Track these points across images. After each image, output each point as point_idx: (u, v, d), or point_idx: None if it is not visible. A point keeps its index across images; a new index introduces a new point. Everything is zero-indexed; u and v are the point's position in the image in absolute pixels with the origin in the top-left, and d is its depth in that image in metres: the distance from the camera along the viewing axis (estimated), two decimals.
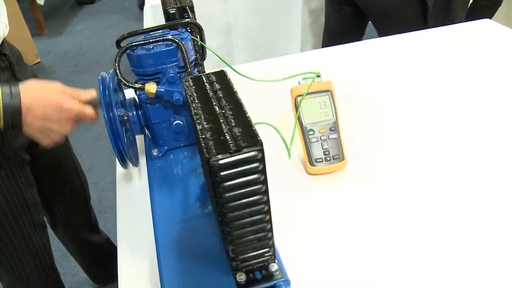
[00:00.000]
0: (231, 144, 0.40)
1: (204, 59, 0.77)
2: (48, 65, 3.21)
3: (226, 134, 0.41)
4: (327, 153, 0.71)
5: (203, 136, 0.42)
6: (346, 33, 1.59)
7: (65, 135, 0.73)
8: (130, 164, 0.71)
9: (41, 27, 3.50)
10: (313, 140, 0.71)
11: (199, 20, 1.90)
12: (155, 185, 0.65)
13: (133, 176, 0.79)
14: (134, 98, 0.70)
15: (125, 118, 0.69)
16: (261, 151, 0.39)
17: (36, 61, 3.13)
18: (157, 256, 0.56)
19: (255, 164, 0.40)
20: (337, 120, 0.72)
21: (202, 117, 0.45)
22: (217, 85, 0.50)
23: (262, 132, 0.72)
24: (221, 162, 0.39)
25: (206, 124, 0.43)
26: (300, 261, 0.60)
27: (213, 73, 0.52)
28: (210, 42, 1.85)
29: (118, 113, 0.67)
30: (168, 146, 0.69)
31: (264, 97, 0.93)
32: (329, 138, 0.71)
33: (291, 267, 0.57)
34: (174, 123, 0.67)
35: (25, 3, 3.39)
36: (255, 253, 0.47)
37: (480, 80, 0.96)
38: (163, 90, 0.62)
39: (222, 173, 0.39)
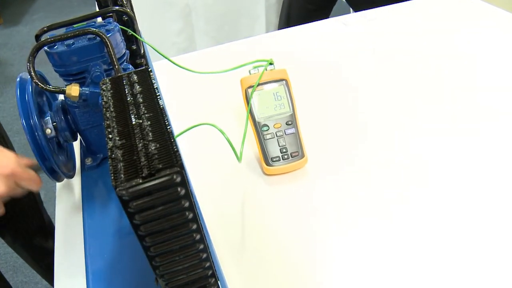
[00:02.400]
0: (144, 166, 0.32)
1: (141, 51, 0.69)
2: (6, 57, 3.05)
3: (140, 152, 0.34)
4: (284, 150, 0.64)
5: (113, 156, 0.34)
6: (310, 17, 1.50)
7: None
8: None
9: None
10: (268, 136, 0.64)
11: (156, 5, 1.79)
12: (88, 199, 0.57)
13: (74, 187, 0.70)
14: (62, 100, 0.61)
15: (54, 124, 0.61)
16: (180, 173, 0.32)
17: None
18: (86, 285, 0.48)
19: (175, 189, 0.32)
20: (295, 113, 0.65)
21: (115, 130, 0.37)
22: (138, 87, 0.42)
23: (210, 133, 0.65)
24: (130, 190, 0.31)
25: (119, 140, 0.36)
26: (262, 276, 0.53)
27: (135, 72, 0.44)
28: (170, 27, 1.75)
29: (45, 118, 0.59)
30: (104, 153, 0.61)
31: (215, 90, 0.85)
32: (285, 134, 0.64)
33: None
34: (104, 123, 0.59)
35: None
36: (192, 286, 0.40)
37: (455, 60, 0.90)
38: (87, 92, 0.54)
39: (133, 204, 0.32)
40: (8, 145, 1.01)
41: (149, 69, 0.44)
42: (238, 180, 0.65)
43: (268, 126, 0.64)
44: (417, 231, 0.55)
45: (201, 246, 0.37)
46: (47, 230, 1.15)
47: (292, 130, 0.64)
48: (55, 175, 0.60)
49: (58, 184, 0.70)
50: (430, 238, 0.54)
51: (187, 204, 0.34)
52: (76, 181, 0.70)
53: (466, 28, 1.00)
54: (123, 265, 0.50)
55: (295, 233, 0.57)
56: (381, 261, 0.52)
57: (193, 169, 0.67)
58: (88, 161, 0.61)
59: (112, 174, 0.32)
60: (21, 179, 0.57)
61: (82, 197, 0.58)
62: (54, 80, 0.61)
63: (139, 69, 0.45)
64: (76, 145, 0.72)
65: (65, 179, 0.65)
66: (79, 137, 0.64)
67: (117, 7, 0.61)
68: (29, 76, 0.59)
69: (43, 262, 1.19)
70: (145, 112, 0.38)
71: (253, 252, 0.56)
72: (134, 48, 0.69)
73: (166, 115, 0.37)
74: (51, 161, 0.57)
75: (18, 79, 0.58)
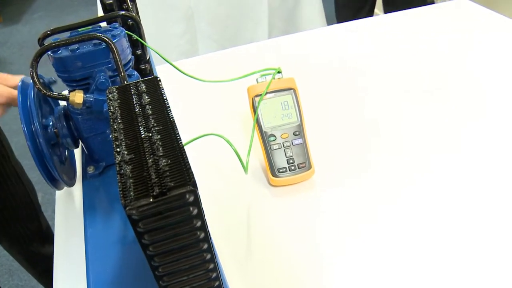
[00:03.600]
0: (155, 184, 0.31)
1: (146, 57, 0.67)
2: (5, 56, 3.02)
3: (150, 168, 0.32)
4: (291, 161, 0.62)
5: (121, 172, 0.32)
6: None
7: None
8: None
9: None
10: (275, 147, 0.62)
11: (158, 7, 1.77)
12: (89, 208, 0.56)
13: (74, 196, 0.68)
14: (64, 106, 0.60)
15: (55, 130, 0.59)
16: (193, 192, 0.30)
17: None
18: None
19: (187, 209, 0.31)
20: (302, 123, 0.63)
21: (124, 143, 0.35)
22: (147, 97, 0.40)
23: (216, 142, 0.64)
24: (140, 210, 0.29)
25: (127, 154, 0.34)
26: None
27: (143, 81, 0.43)
28: (172, 29, 1.73)
29: (47, 123, 0.57)
30: (107, 162, 0.60)
31: (220, 97, 0.83)
32: (293, 144, 0.63)
33: None
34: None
35: None
36: None
37: (465, 68, 0.89)
38: (92, 99, 0.52)
39: (143, 224, 0.30)
40: (7, 150, 1.00)
41: (158, 78, 0.43)
42: (244, 191, 0.64)
43: (275, 136, 0.62)
44: (430, 244, 0.54)
45: (211, 266, 0.36)
46: (45, 235, 1.14)
47: (300, 141, 0.63)
48: (56, 183, 0.59)
49: (57, 192, 0.68)
50: (447, 252, 0.53)
51: (199, 224, 0.32)
52: (77, 189, 0.68)
53: (472, 32, 0.99)
54: (126, 276, 0.48)
55: (301, 246, 0.55)
56: (393, 278, 0.51)
57: (197, 179, 0.65)
58: (90, 169, 0.59)
59: (121, 192, 0.31)
60: (14, 102, 0.66)
61: (83, 205, 0.56)
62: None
63: (148, 78, 0.43)
64: (77, 152, 0.70)
65: (64, 187, 0.64)
66: (80, 144, 0.62)
67: (123, 12, 0.59)
68: (31, 81, 0.57)
69: (40, 267, 1.18)
70: (155, 124, 0.36)
71: (258, 264, 0.54)
72: (139, 53, 0.68)
73: (176, 129, 0.36)
74: (52, 168, 0.55)
75: (20, 83, 0.56)
